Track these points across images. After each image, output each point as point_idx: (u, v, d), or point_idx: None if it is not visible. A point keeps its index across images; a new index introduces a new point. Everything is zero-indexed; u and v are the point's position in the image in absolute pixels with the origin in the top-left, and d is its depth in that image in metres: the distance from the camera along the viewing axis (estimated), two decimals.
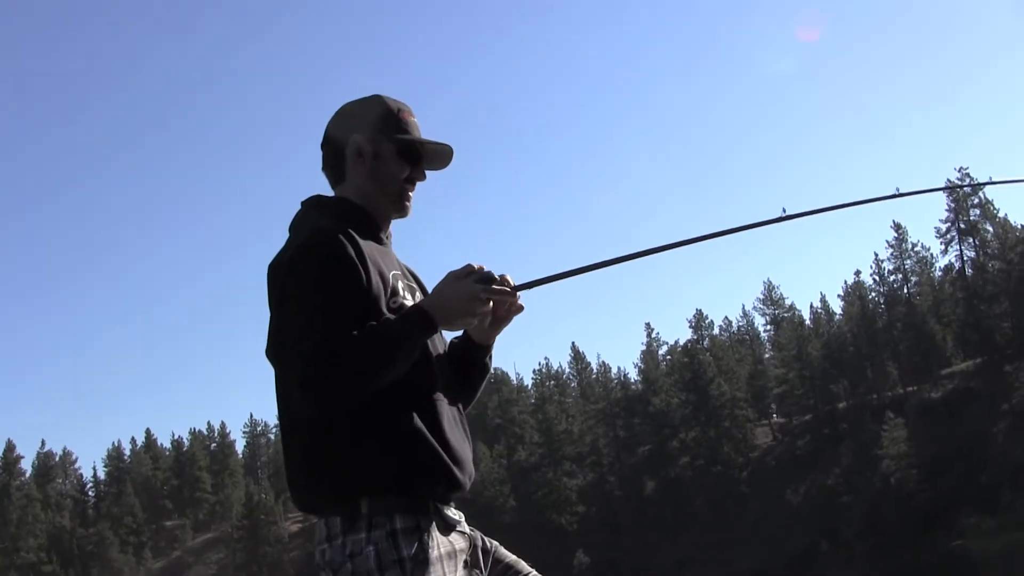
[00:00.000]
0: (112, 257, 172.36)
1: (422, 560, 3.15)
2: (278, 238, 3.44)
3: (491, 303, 3.41)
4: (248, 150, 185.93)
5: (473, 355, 3.68)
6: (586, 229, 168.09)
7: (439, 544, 3.24)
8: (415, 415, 3.26)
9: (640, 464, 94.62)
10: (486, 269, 3.39)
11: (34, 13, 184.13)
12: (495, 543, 3.58)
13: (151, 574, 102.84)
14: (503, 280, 3.44)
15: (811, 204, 3.94)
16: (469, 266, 3.35)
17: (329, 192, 3.59)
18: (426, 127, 3.59)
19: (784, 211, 3.99)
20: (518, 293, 3.52)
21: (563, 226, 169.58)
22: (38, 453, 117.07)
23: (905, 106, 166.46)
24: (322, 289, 3.15)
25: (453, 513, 3.36)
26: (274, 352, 3.21)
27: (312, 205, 3.52)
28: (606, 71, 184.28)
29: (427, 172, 3.60)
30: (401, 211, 3.55)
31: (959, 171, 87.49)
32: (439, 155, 3.60)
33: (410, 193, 3.56)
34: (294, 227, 3.48)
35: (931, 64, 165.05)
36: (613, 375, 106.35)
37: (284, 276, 3.21)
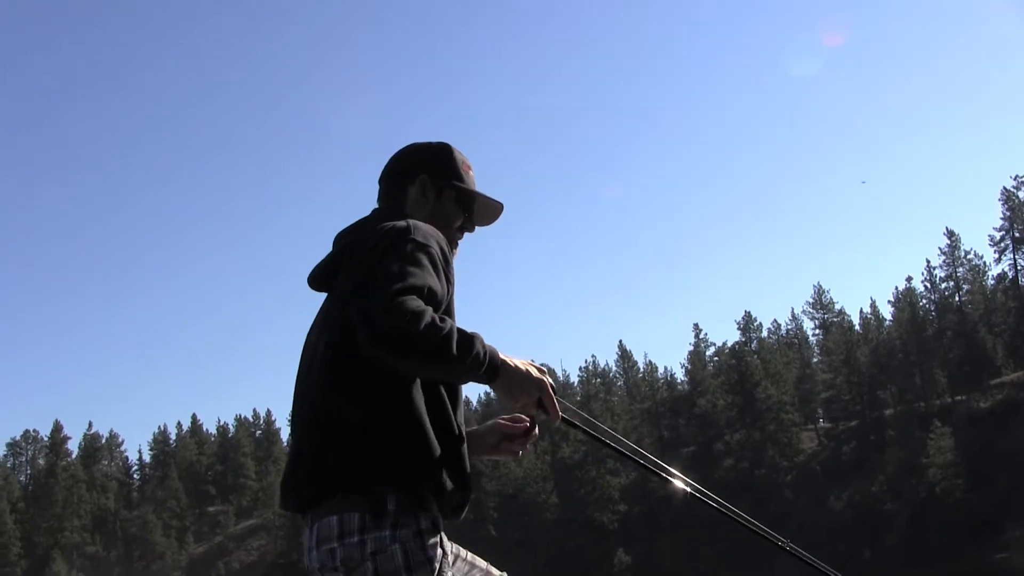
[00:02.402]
0: (166, 242, 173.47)
1: (444, 561, 3.17)
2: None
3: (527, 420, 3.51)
4: (306, 138, 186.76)
5: None
6: (596, 229, 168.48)
7: (450, 547, 3.30)
8: (456, 434, 3.32)
9: (684, 465, 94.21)
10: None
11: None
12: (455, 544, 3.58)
13: (192, 558, 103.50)
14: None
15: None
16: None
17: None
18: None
19: (788, 546, 4.20)
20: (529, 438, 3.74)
21: (573, 229, 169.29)
22: (85, 434, 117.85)
23: (935, 112, 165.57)
24: (435, 264, 3.24)
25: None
26: (376, 284, 3.10)
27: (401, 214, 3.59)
28: (626, 73, 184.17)
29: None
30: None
31: (1014, 179, 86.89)
32: (489, 211, 3.77)
33: (458, 240, 3.69)
34: (380, 222, 3.46)
35: (958, 68, 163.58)
36: (660, 375, 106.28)
37: (403, 237, 3.25)
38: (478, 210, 3.72)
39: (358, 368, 3.20)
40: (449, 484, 3.23)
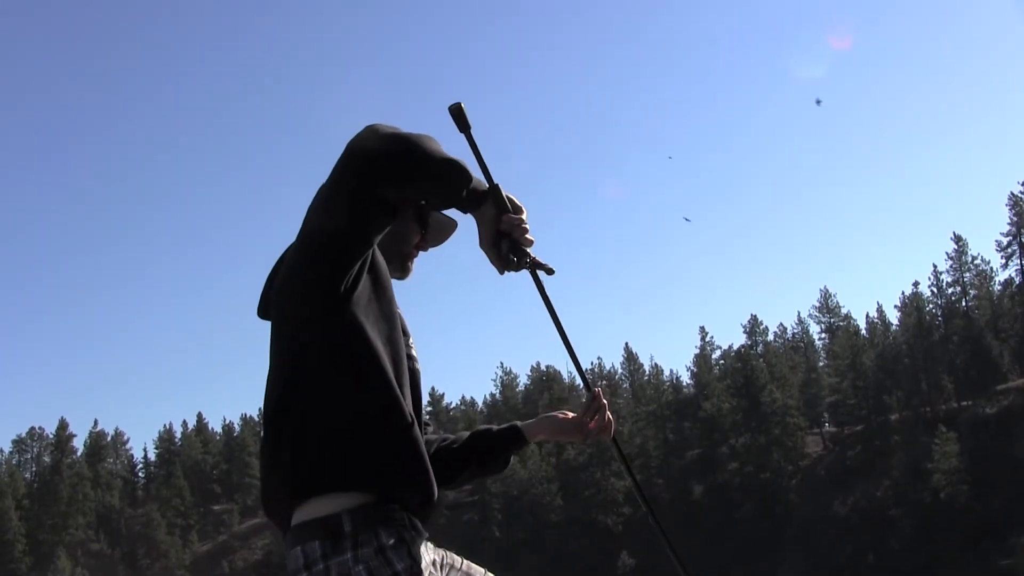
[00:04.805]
0: (172, 241, 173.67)
1: (415, 572, 3.05)
2: None
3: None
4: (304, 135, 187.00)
5: (505, 447, 3.76)
6: (602, 231, 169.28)
7: (424, 554, 3.16)
8: (403, 424, 3.14)
9: (688, 468, 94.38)
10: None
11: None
12: (448, 552, 3.51)
13: (197, 557, 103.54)
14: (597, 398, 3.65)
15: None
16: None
17: None
18: None
19: None
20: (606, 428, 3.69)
21: (578, 231, 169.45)
22: (90, 432, 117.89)
23: (943, 117, 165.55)
24: None
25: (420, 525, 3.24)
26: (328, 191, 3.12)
27: None
28: (631, 74, 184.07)
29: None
30: (403, 272, 3.56)
31: (1022, 185, 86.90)
32: (442, 229, 3.64)
33: (414, 258, 3.58)
34: None
35: (966, 73, 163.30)
36: (665, 378, 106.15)
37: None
38: (432, 227, 3.59)
39: (294, 364, 3.14)
40: (404, 482, 3.13)
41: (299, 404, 3.12)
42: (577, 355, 3.57)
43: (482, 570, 3.59)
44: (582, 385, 3.65)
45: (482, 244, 3.36)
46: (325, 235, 3.09)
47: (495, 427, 3.79)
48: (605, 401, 3.66)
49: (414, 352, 3.47)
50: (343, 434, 3.08)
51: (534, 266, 3.38)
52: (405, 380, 3.25)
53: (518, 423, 3.80)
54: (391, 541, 3.04)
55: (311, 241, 3.14)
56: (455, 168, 3.12)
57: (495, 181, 3.29)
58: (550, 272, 3.41)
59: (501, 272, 3.38)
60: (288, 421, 3.13)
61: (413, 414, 3.20)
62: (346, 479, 3.07)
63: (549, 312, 3.50)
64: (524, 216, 3.32)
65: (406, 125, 3.08)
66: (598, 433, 3.70)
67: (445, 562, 3.44)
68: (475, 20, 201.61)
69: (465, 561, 3.55)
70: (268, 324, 3.31)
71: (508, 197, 3.30)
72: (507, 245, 3.32)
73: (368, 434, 3.09)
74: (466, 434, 3.76)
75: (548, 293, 3.47)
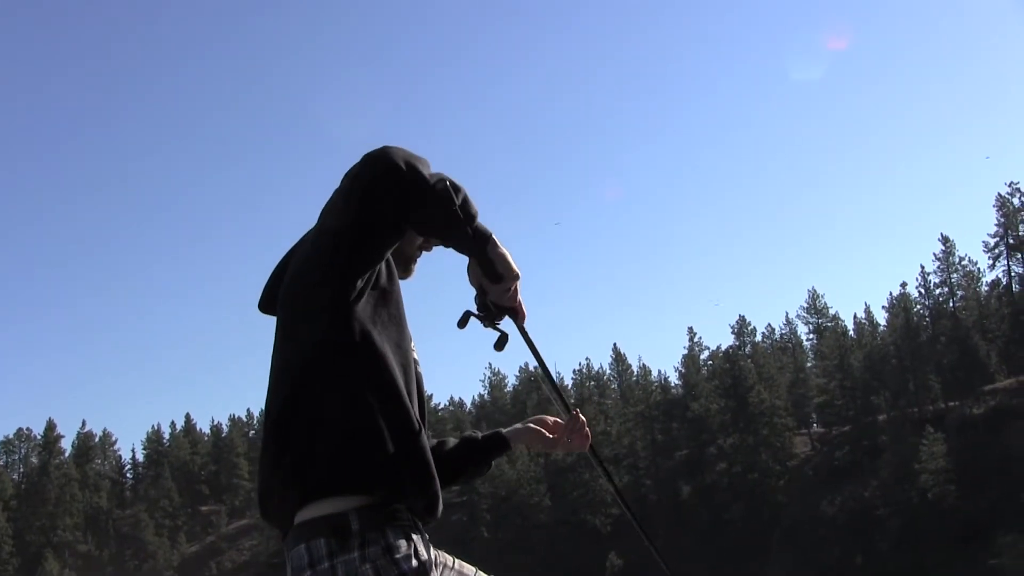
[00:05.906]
0: (161, 242, 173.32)
1: (422, 572, 3.06)
2: None
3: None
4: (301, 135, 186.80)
5: (488, 453, 3.77)
6: (593, 231, 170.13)
7: (428, 554, 3.16)
8: (412, 429, 3.16)
9: (676, 469, 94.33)
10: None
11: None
12: (440, 551, 3.48)
13: (184, 558, 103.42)
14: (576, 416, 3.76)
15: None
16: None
17: None
18: None
19: None
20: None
21: (569, 231, 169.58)
22: (78, 433, 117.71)
23: (932, 118, 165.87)
24: None
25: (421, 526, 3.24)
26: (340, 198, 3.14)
27: None
28: (628, 76, 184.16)
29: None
30: (406, 272, 3.55)
31: (1009, 186, 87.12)
32: None
33: (417, 259, 3.59)
34: None
35: (957, 75, 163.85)
36: (653, 378, 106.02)
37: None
38: None
39: (298, 365, 3.15)
40: (412, 487, 3.13)
41: (305, 406, 3.12)
42: (555, 382, 3.64)
43: (473, 569, 3.59)
44: (560, 407, 3.74)
45: (471, 282, 3.37)
46: (337, 237, 3.10)
47: (480, 435, 3.80)
48: (583, 419, 3.77)
49: (416, 355, 3.48)
50: (350, 438, 3.08)
51: (497, 329, 3.45)
52: (413, 385, 3.28)
53: (502, 430, 3.81)
54: (398, 541, 3.04)
55: (322, 243, 3.15)
56: (451, 210, 3.09)
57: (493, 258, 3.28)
58: (499, 345, 3.48)
59: (482, 321, 3.44)
60: (293, 423, 3.12)
61: (419, 420, 3.23)
62: (352, 483, 3.07)
63: (531, 349, 3.55)
64: (514, 283, 3.33)
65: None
66: (577, 447, 3.79)
67: (439, 561, 3.42)
68: (475, 20, 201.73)
69: (457, 560, 3.55)
70: (260, 325, 3.33)
71: (503, 259, 3.26)
72: (483, 299, 3.38)
73: (375, 439, 3.08)
74: (453, 440, 3.76)
75: (529, 333, 3.53)
